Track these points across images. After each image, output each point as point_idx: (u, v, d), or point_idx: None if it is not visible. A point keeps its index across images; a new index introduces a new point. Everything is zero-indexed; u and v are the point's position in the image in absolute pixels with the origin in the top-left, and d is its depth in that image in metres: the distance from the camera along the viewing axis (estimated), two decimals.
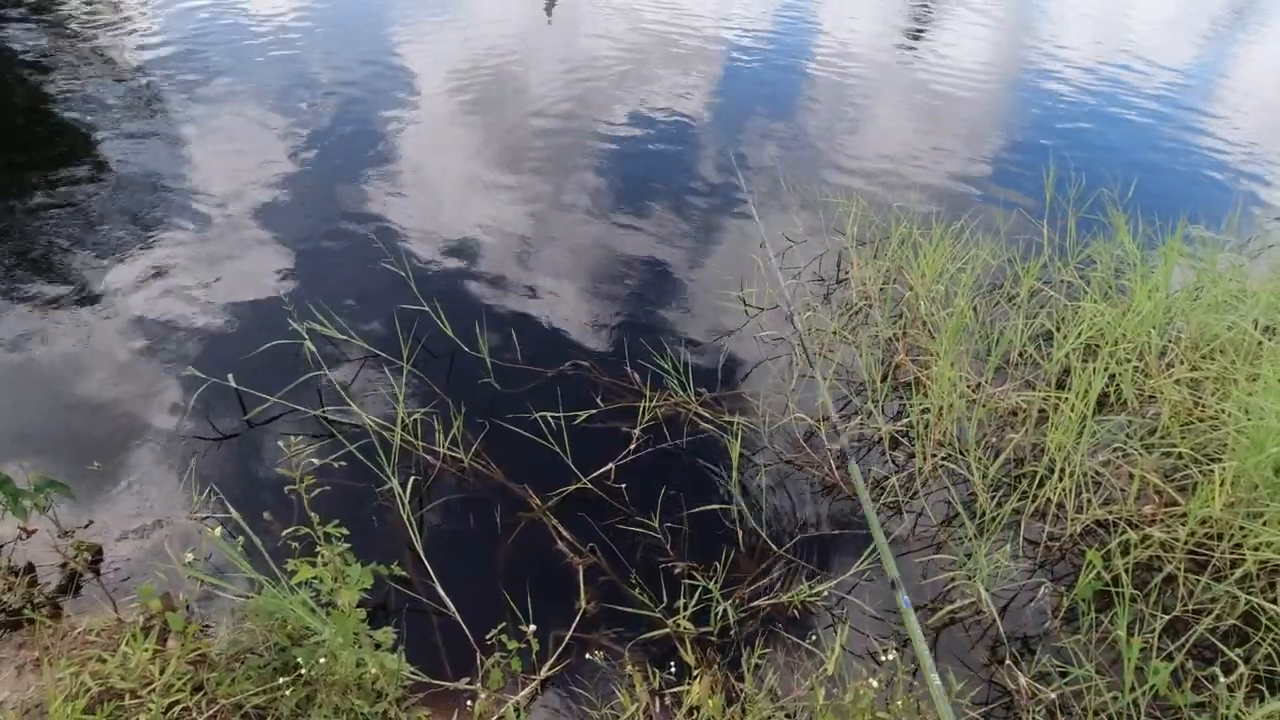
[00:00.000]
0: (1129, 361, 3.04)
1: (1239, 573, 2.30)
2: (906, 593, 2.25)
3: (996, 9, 9.67)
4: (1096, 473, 2.70)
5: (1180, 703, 1.90)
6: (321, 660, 1.69)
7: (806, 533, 2.58)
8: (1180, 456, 2.68)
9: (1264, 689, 2.02)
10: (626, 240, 4.16)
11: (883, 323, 3.46)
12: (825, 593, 2.35)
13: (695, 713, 1.91)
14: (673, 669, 2.09)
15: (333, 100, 5.63)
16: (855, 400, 3.09)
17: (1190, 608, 2.30)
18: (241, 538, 2.14)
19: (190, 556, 2.18)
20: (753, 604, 2.32)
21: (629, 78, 6.48)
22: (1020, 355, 3.27)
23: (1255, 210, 4.94)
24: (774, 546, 2.51)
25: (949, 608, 2.34)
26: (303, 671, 1.72)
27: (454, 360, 3.18)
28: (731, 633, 2.23)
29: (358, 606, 1.91)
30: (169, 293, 3.50)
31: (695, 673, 1.96)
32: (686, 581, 2.34)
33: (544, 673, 2.10)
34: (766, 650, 2.17)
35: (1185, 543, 2.43)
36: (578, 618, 2.26)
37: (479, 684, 1.96)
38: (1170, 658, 2.10)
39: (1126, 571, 2.29)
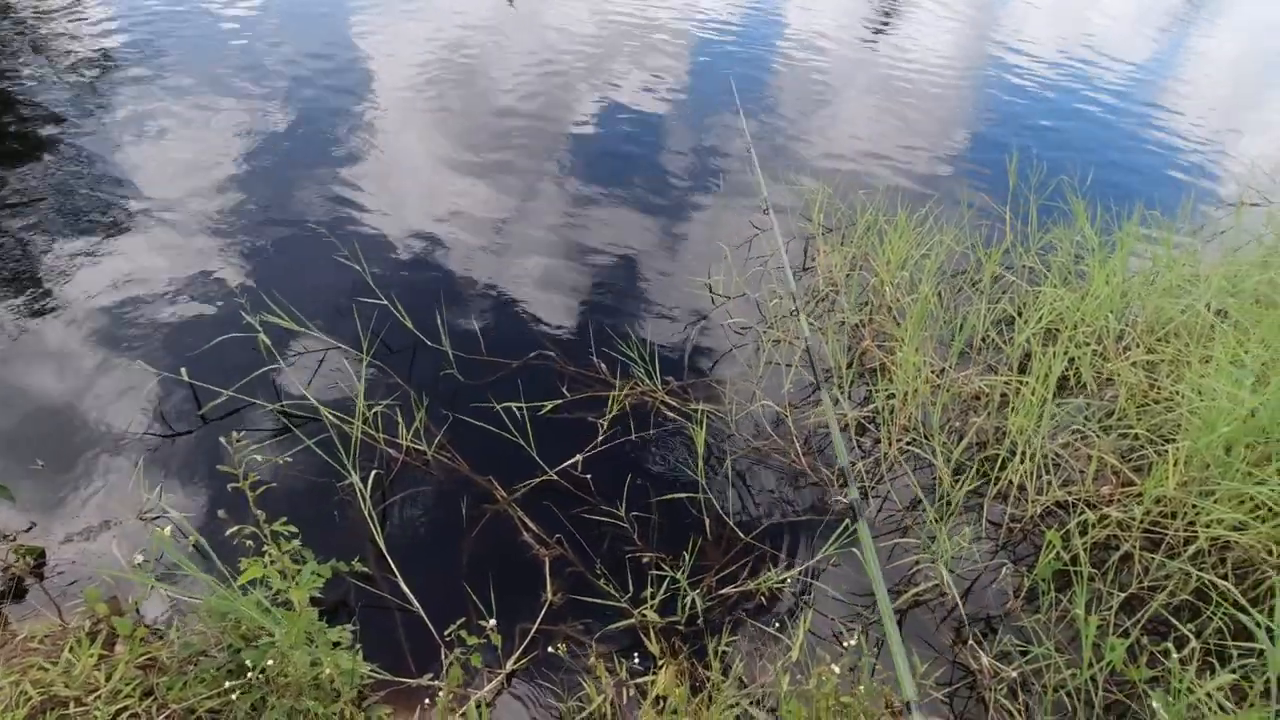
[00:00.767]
0: (1088, 345, 3.09)
1: (1191, 549, 2.35)
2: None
3: (959, 2, 9.76)
4: (1056, 455, 2.75)
5: (1135, 677, 1.94)
6: (270, 661, 1.64)
7: (774, 519, 2.58)
8: (1137, 438, 2.74)
9: (1215, 662, 2.07)
10: (592, 231, 4.11)
11: (849, 309, 3.47)
12: (792, 579, 2.35)
13: (661, 702, 1.90)
14: (636, 659, 2.07)
15: (289, 92, 5.48)
16: (821, 386, 3.10)
17: (1146, 585, 2.35)
18: (192, 538, 2.07)
19: (140, 558, 2.10)
20: (720, 592, 2.32)
21: (593, 69, 6.41)
22: (983, 340, 3.31)
23: (1208, 197, 5.07)
24: (741, 534, 2.50)
25: (913, 590, 2.36)
26: (250, 674, 1.66)
27: (416, 353, 3.11)
28: (699, 621, 2.23)
29: (316, 605, 1.86)
30: (118, 287, 3.37)
31: (660, 662, 1.94)
32: (654, 571, 2.33)
33: (509, 666, 2.07)
34: (734, 638, 2.17)
35: (1141, 522, 2.48)
36: (544, 610, 2.23)
37: (440, 679, 1.92)
38: (1126, 634, 2.14)
39: (1085, 551, 2.33)
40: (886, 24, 8.70)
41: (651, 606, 2.20)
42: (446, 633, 2.02)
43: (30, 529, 2.33)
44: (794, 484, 2.72)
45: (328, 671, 1.68)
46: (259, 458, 2.06)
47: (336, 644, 1.80)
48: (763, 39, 7.57)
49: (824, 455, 2.83)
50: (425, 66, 6.07)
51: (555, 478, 2.61)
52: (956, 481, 2.58)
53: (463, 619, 2.06)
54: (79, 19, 6.35)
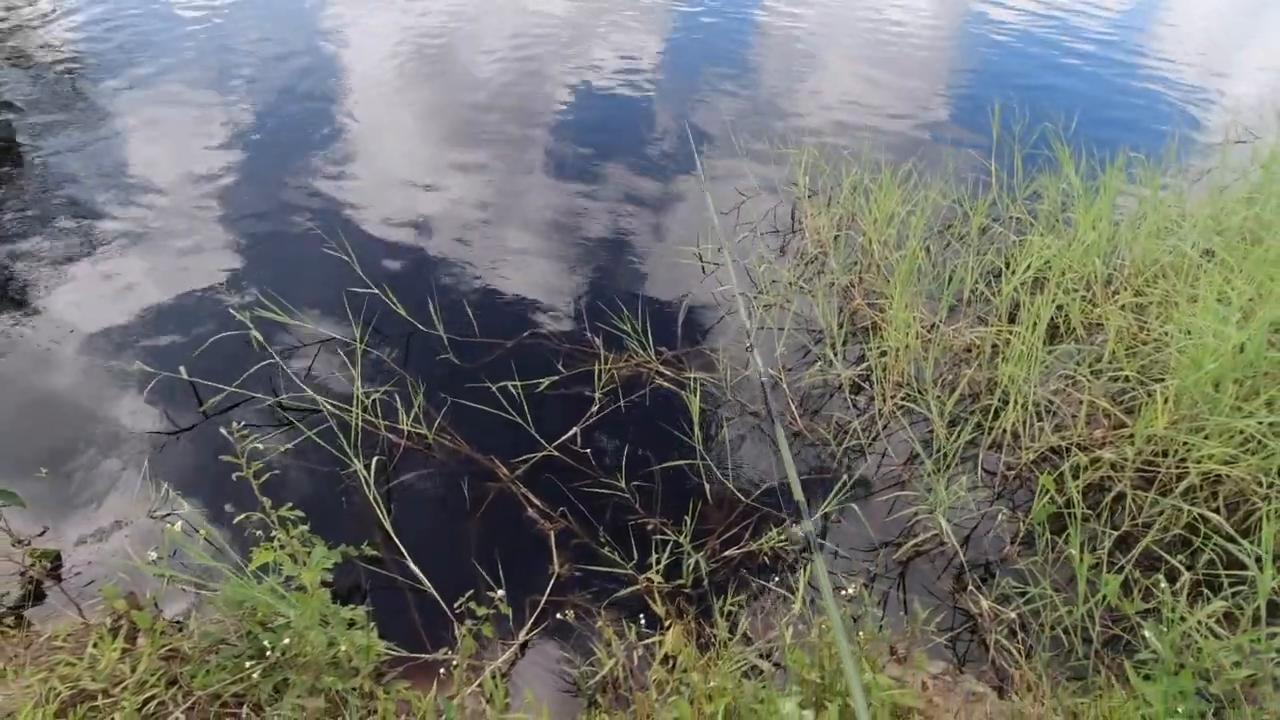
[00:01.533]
0: (1076, 291, 3.11)
1: (1183, 486, 2.40)
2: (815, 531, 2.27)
3: None
4: (1048, 401, 2.78)
5: (1129, 610, 1.99)
6: (286, 641, 1.69)
7: (773, 480, 2.62)
8: (1127, 380, 2.77)
9: (1207, 592, 2.12)
10: (579, 206, 4.11)
11: (838, 269, 3.49)
12: (793, 537, 2.40)
13: (671, 661, 1.96)
14: (644, 623, 2.13)
15: (266, 82, 5.43)
16: (814, 348, 3.13)
17: (1140, 522, 2.40)
18: (203, 531, 2.12)
19: (153, 555, 2.14)
20: (724, 554, 2.37)
21: (573, 43, 6.34)
22: (973, 293, 3.33)
23: (1194, 138, 5.05)
24: (741, 497, 2.55)
25: (913, 541, 2.41)
26: (269, 656, 1.72)
27: (410, 339, 3.14)
28: (704, 584, 2.28)
29: (329, 588, 1.90)
30: (111, 290, 3.38)
31: (666, 623, 2.00)
32: (657, 538, 2.38)
33: (521, 637, 2.13)
34: (739, 597, 2.22)
35: (1133, 462, 2.53)
36: (552, 581, 2.28)
37: (454, 653, 1.98)
38: (1121, 570, 2.20)
39: (1079, 493, 2.38)
40: None
41: (657, 571, 2.25)
42: (456, 605, 2.07)
43: (44, 533, 2.38)
44: (791, 445, 2.76)
45: (344, 649, 1.73)
46: (260, 445, 2.09)
47: (352, 623, 1.85)
48: (737, 2, 7.47)
49: (820, 416, 2.86)
50: (399, 54, 6.01)
51: (555, 453, 2.65)
52: (951, 433, 2.62)
53: (471, 593, 2.11)
54: (51, 24, 6.26)
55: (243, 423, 2.04)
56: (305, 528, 1.88)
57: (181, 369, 2.82)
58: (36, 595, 2.21)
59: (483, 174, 4.40)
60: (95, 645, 1.92)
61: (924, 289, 3.29)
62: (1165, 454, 2.54)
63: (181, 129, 4.75)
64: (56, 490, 2.49)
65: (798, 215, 3.99)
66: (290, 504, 1.93)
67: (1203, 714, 1.78)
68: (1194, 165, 4.51)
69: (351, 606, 1.88)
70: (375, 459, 2.51)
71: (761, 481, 2.62)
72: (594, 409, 2.82)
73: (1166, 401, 2.50)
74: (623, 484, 2.54)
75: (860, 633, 1.82)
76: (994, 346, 3.02)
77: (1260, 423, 2.32)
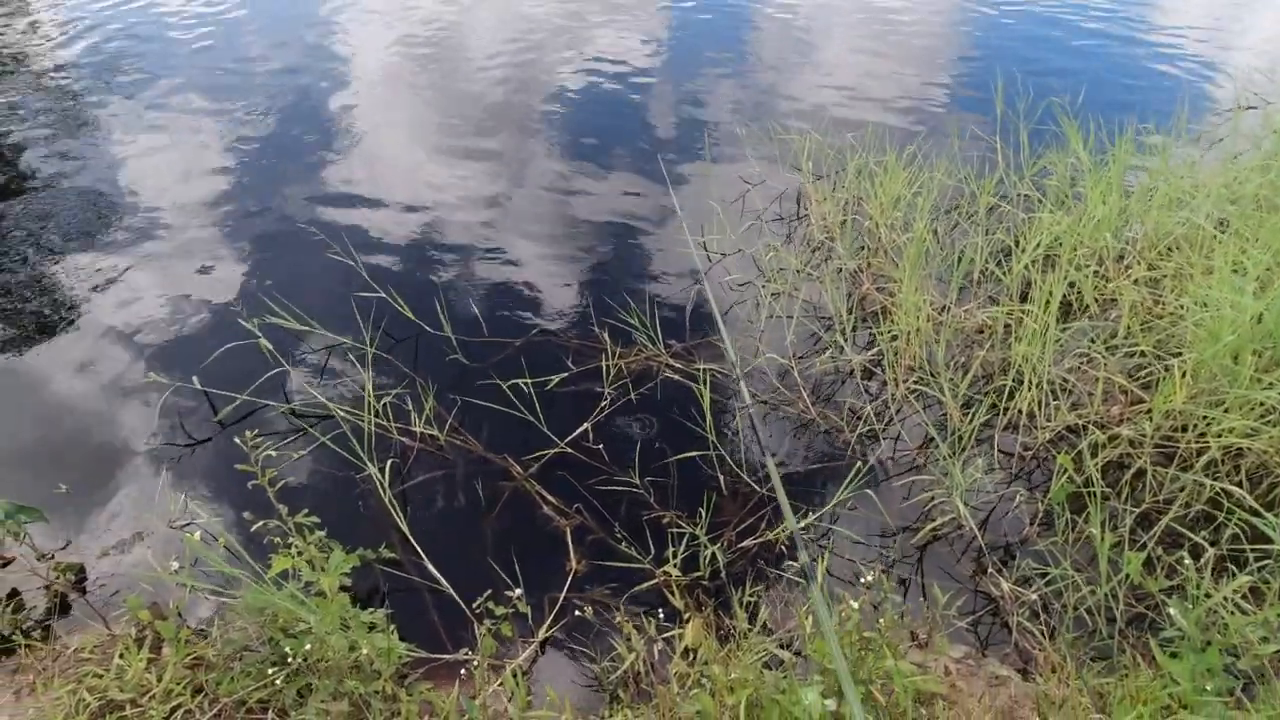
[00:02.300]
0: (1088, 267, 3.07)
1: (1204, 460, 2.37)
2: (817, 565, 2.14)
3: None
4: (1064, 380, 2.75)
5: (1152, 588, 1.97)
6: (307, 647, 1.70)
7: (787, 469, 2.61)
8: (1143, 355, 2.73)
9: (1232, 567, 2.10)
10: (581, 202, 4.10)
11: (846, 255, 3.46)
12: (810, 526, 2.39)
13: (691, 654, 1.96)
14: (662, 615, 2.13)
15: (266, 86, 5.44)
16: (824, 335, 3.11)
17: (1161, 499, 2.38)
18: (223, 539, 2.13)
19: (175, 565, 2.16)
20: (740, 545, 2.36)
21: (572, 33, 6.31)
22: (983, 273, 3.29)
23: (1204, 106, 4.96)
24: (756, 487, 2.54)
25: (930, 526, 2.40)
26: (291, 662, 1.73)
27: (419, 341, 3.14)
28: (722, 575, 2.27)
29: (348, 592, 1.92)
30: (121, 303, 3.41)
31: (686, 616, 2.00)
32: (673, 530, 2.37)
33: (541, 635, 2.13)
34: (757, 588, 2.22)
35: (1152, 438, 2.50)
36: (569, 578, 2.29)
37: (475, 653, 1.98)
38: (1143, 548, 2.17)
39: (1097, 471, 2.35)
40: None
41: (674, 565, 2.25)
42: (475, 605, 2.08)
43: (66, 546, 2.40)
44: (804, 433, 2.75)
45: (365, 652, 1.74)
46: (274, 453, 2.12)
47: (372, 626, 1.86)
48: None
49: (832, 403, 2.85)
50: (395, 53, 6.00)
51: (568, 450, 2.65)
52: (966, 415, 2.59)
53: (490, 592, 2.11)
54: (45, 33, 6.30)
55: (257, 431, 2.05)
56: (322, 533, 1.89)
57: (195, 379, 2.84)
58: (62, 608, 2.23)
59: (483, 174, 4.39)
60: (121, 656, 1.95)
61: (933, 271, 3.26)
62: (1184, 429, 2.51)
63: (181, 141, 4.77)
64: (77, 504, 2.52)
65: (803, 201, 3.96)
66: (306, 510, 1.94)
67: (1231, 690, 1.76)
68: (1205, 134, 4.43)
69: (371, 610, 1.89)
70: (389, 462, 2.52)
71: (777, 469, 2.60)
72: (605, 404, 2.81)
73: (1184, 376, 2.46)
74: (636, 478, 2.53)
75: (880, 619, 1.81)
76: (1006, 326, 2.98)
77: None
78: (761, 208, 3.92)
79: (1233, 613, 1.90)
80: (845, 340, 3.02)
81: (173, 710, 1.86)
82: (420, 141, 4.76)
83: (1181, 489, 2.36)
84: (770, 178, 4.16)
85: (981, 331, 3.04)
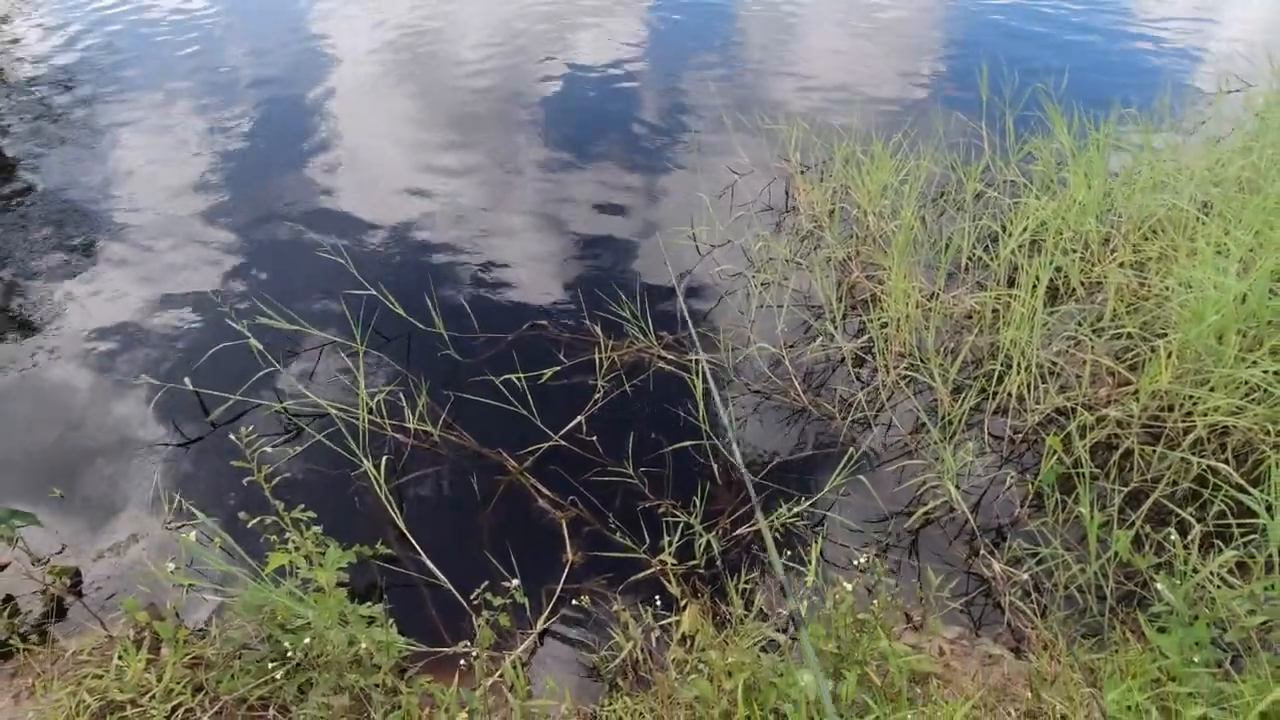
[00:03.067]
0: (1074, 251, 3.09)
1: (1190, 438, 2.40)
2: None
3: None
4: (1052, 363, 2.78)
5: (1141, 565, 2.00)
6: (307, 641, 1.71)
7: (780, 457, 2.63)
8: (1130, 337, 2.76)
9: (1219, 543, 2.13)
10: (570, 197, 4.09)
11: (835, 243, 3.47)
12: (804, 512, 2.41)
13: (689, 641, 1.97)
14: (658, 603, 2.14)
15: (250, 86, 5.40)
16: (815, 323, 3.13)
17: (1149, 477, 2.41)
18: (218, 539, 2.13)
19: (171, 566, 2.16)
20: (735, 533, 2.38)
21: (557, 26, 6.29)
22: (970, 259, 3.32)
23: (1187, 90, 5.00)
24: (750, 475, 2.55)
25: (923, 510, 2.42)
26: (291, 656, 1.74)
27: (411, 339, 3.14)
28: (717, 563, 2.29)
29: (346, 588, 1.92)
30: (111, 304, 3.40)
31: (682, 604, 2.01)
32: (668, 520, 2.39)
33: (539, 625, 2.15)
34: (752, 575, 2.24)
35: (1139, 418, 2.53)
36: (566, 570, 2.30)
37: (474, 645, 1.99)
38: (1132, 526, 2.20)
39: (1086, 452, 2.38)
40: None
41: (670, 553, 2.27)
42: (473, 597, 2.09)
43: (61, 551, 2.40)
44: (796, 421, 2.77)
45: (365, 646, 1.75)
46: (269, 449, 2.12)
47: (370, 621, 1.87)
48: None
49: (823, 390, 2.87)
50: (380, 50, 5.97)
51: (562, 442, 2.66)
52: (956, 400, 2.62)
53: (487, 584, 2.13)
54: (27, 36, 6.24)
55: (251, 429, 2.05)
56: (319, 529, 1.90)
57: (186, 380, 2.83)
58: (59, 612, 2.23)
59: (471, 169, 4.38)
60: (120, 657, 1.95)
61: (922, 258, 3.28)
62: (1171, 409, 2.54)
63: (169, 141, 4.73)
64: (71, 507, 2.51)
65: (791, 191, 3.97)
66: (313, 508, 1.94)
67: (1219, 662, 1.79)
68: (1189, 119, 4.46)
69: (369, 605, 1.89)
70: (384, 459, 2.52)
71: (769, 459, 2.63)
72: (598, 396, 2.82)
73: (1170, 356, 2.49)
74: (631, 469, 2.55)
75: (874, 602, 1.83)
76: (994, 311, 3.01)
77: (1265, 372, 2.32)
78: (750, 198, 3.93)
79: (1219, 587, 1.93)
80: (836, 328, 3.04)
81: (174, 709, 1.87)
82: (406, 139, 4.75)
83: (1169, 467, 2.40)
84: (758, 168, 4.17)
85: (970, 317, 3.07)
